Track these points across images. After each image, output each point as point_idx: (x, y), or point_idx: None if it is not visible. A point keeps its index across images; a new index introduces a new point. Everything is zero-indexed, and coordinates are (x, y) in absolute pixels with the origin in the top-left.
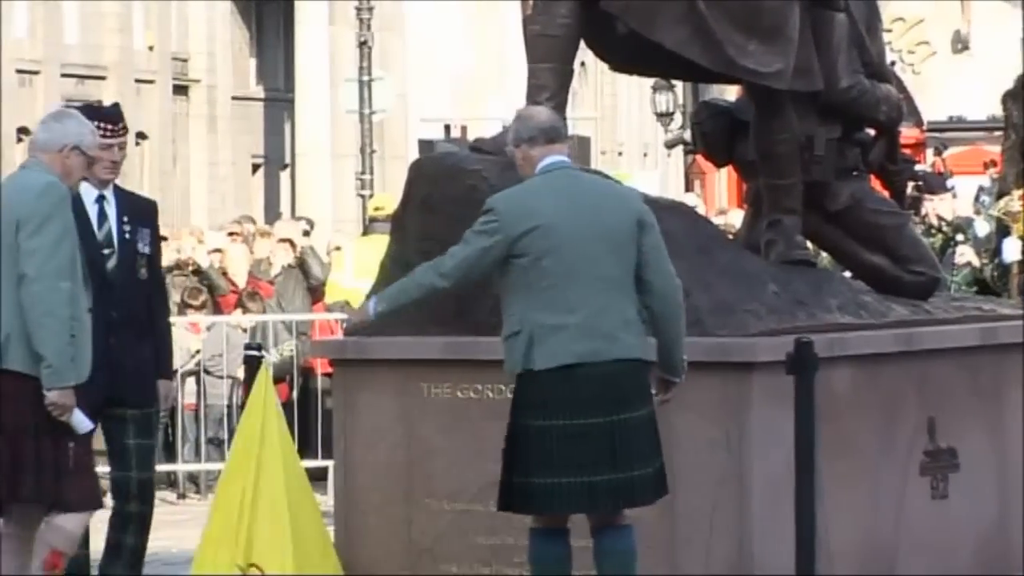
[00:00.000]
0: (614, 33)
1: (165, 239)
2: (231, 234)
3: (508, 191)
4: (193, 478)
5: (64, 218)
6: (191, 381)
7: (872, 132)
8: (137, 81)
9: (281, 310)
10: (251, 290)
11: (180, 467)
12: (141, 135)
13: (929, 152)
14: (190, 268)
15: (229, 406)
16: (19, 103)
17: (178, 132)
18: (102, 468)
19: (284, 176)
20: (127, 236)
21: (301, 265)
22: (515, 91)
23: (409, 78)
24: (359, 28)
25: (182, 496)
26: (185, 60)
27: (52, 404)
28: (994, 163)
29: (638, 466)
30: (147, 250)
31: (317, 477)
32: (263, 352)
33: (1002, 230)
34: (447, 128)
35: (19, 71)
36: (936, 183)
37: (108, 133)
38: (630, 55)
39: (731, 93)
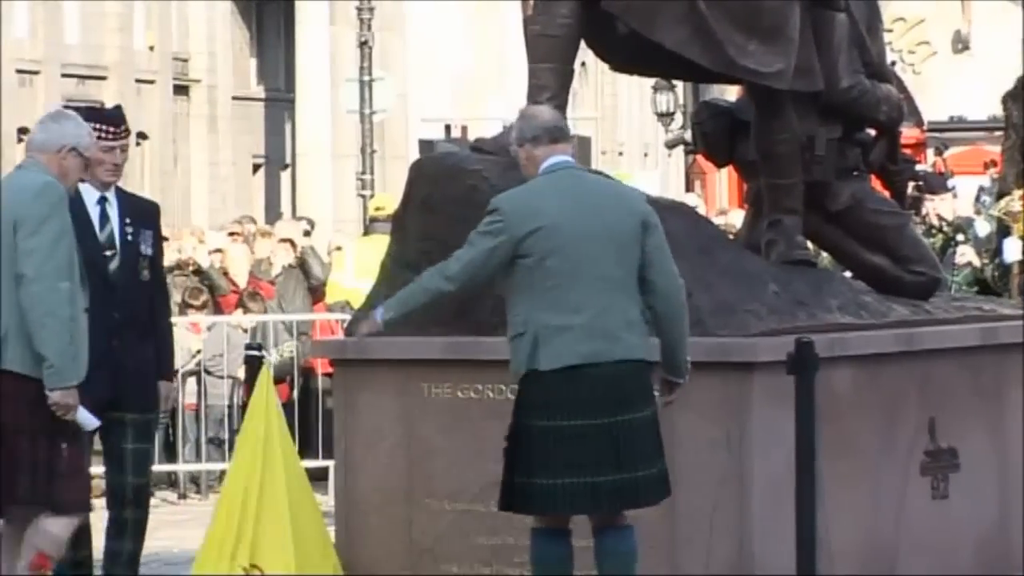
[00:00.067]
0: (615, 33)
1: (166, 239)
2: (232, 234)
3: (512, 191)
4: (194, 478)
5: (62, 218)
6: (192, 381)
7: (873, 132)
8: (138, 81)
9: (282, 310)
10: (252, 290)
11: (181, 467)
12: (142, 135)
13: (930, 152)
14: (191, 268)
15: (230, 406)
16: (20, 103)
17: (179, 132)
18: (98, 469)
19: (285, 176)
20: (129, 238)
21: (302, 265)
22: (515, 91)
23: (410, 78)
24: (360, 28)
25: (183, 496)
26: (186, 60)
27: (55, 404)
28: (994, 163)
29: (642, 467)
30: (149, 252)
31: (318, 477)
32: (264, 352)
33: (1003, 230)
34: (447, 128)
35: (19, 71)
36: (937, 183)
37: (110, 136)
38: (631, 55)
39: (732, 93)
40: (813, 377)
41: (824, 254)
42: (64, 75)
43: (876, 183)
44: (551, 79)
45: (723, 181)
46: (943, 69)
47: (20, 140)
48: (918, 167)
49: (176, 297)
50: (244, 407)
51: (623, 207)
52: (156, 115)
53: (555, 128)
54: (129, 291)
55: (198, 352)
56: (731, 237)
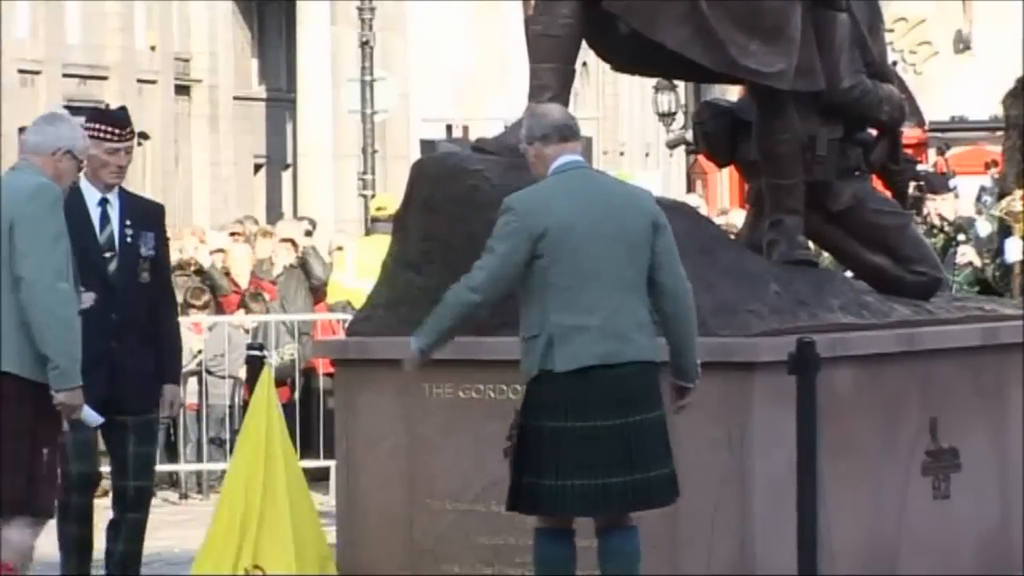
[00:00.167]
0: (616, 33)
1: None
2: (233, 234)
3: (524, 191)
4: (195, 478)
5: (57, 219)
6: (193, 381)
7: (874, 132)
8: (139, 81)
9: (283, 311)
10: (254, 290)
11: (182, 467)
12: (143, 135)
13: (931, 152)
14: (192, 268)
15: (231, 406)
16: (21, 103)
17: (180, 132)
18: (106, 468)
19: (286, 176)
20: (129, 239)
21: (303, 265)
22: (517, 91)
23: (411, 78)
24: (361, 28)
25: (184, 496)
26: (187, 60)
27: (61, 404)
28: (996, 163)
29: (654, 467)
30: (151, 253)
31: (319, 477)
32: (265, 352)
33: (1004, 230)
34: (449, 128)
35: (21, 71)
36: (938, 183)
37: (115, 137)
38: (632, 55)
39: (733, 93)
40: (814, 377)
41: (825, 254)
42: (65, 75)
43: (877, 183)
44: (553, 79)
45: (724, 181)
46: (944, 69)
47: None
48: (919, 167)
49: (178, 297)
50: (245, 407)
51: (634, 207)
52: (157, 115)
53: (565, 127)
54: (128, 293)
55: (199, 352)
56: (732, 237)
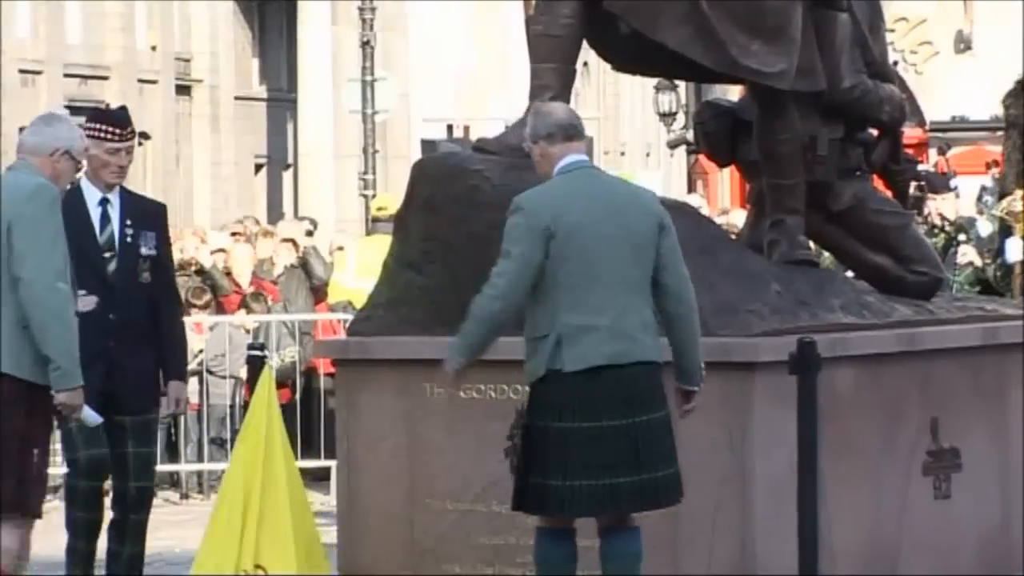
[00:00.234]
0: (617, 33)
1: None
2: (234, 234)
3: (532, 190)
4: (196, 478)
5: (56, 220)
6: (194, 381)
7: (875, 132)
8: (140, 81)
9: (286, 312)
10: (255, 290)
11: (183, 467)
12: (144, 135)
13: (932, 152)
14: (193, 268)
15: (232, 406)
16: (21, 103)
17: (181, 132)
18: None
19: (287, 176)
20: (129, 239)
21: (304, 265)
22: (518, 91)
23: (412, 78)
24: (362, 28)
25: (185, 496)
26: (188, 60)
27: (62, 405)
28: (996, 163)
29: (661, 467)
30: (152, 253)
31: (320, 477)
32: (266, 352)
33: (1005, 230)
34: (450, 128)
35: (21, 71)
36: (939, 183)
37: (116, 137)
38: (633, 55)
39: (734, 93)
40: (815, 377)
41: (826, 254)
42: (66, 75)
43: (878, 183)
44: (553, 79)
45: (725, 181)
46: (945, 69)
47: None
48: (920, 167)
49: None
50: (246, 407)
51: (640, 208)
52: (158, 115)
53: (570, 125)
54: (127, 293)
55: (200, 352)
56: (733, 237)
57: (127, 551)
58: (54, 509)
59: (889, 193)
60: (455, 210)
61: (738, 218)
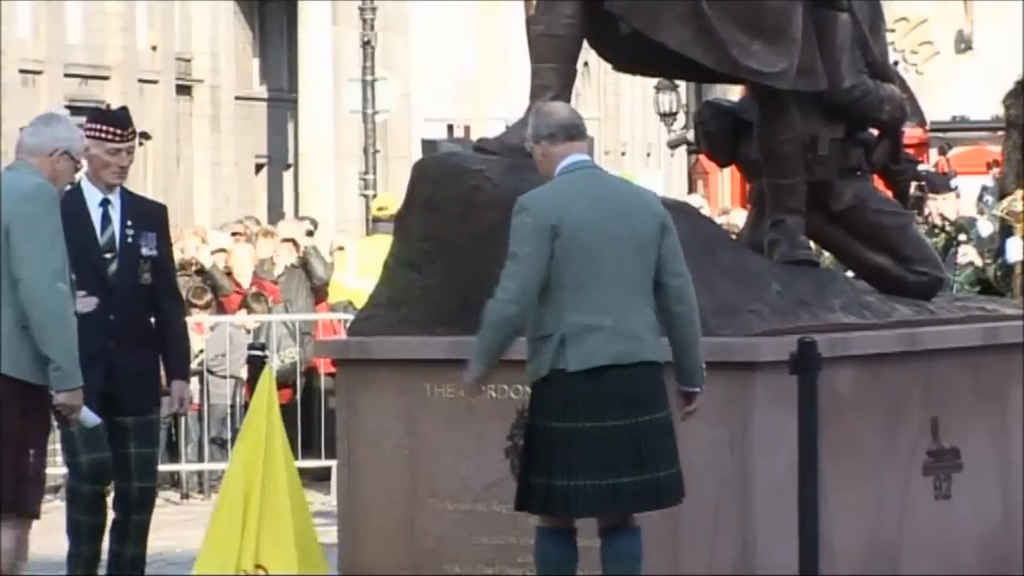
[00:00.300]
0: (617, 33)
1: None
2: (235, 234)
3: (536, 190)
4: (197, 478)
5: (55, 220)
6: (194, 381)
7: (875, 132)
8: (140, 81)
9: (285, 311)
10: (256, 291)
11: (183, 467)
12: (144, 135)
13: (933, 152)
14: (193, 268)
15: (232, 406)
16: (22, 103)
17: (181, 132)
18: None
19: (287, 176)
20: (130, 240)
21: (304, 265)
22: (518, 91)
23: (412, 78)
24: (362, 28)
25: (185, 496)
26: (188, 60)
27: (61, 405)
28: (997, 163)
29: (663, 467)
30: (153, 254)
31: (320, 477)
32: (266, 352)
33: (1005, 230)
34: (450, 128)
35: (22, 71)
36: (940, 182)
37: (116, 138)
38: (633, 55)
39: (734, 93)
40: (816, 377)
41: (826, 254)
42: (67, 75)
43: (879, 183)
44: (554, 79)
45: (726, 181)
46: (946, 69)
47: None
48: (921, 167)
49: None
50: (247, 407)
51: (643, 208)
52: (159, 115)
53: (572, 125)
54: (128, 294)
55: (201, 352)
56: (733, 237)
57: (129, 551)
58: (55, 509)
59: (890, 193)
60: (456, 210)
61: (739, 218)
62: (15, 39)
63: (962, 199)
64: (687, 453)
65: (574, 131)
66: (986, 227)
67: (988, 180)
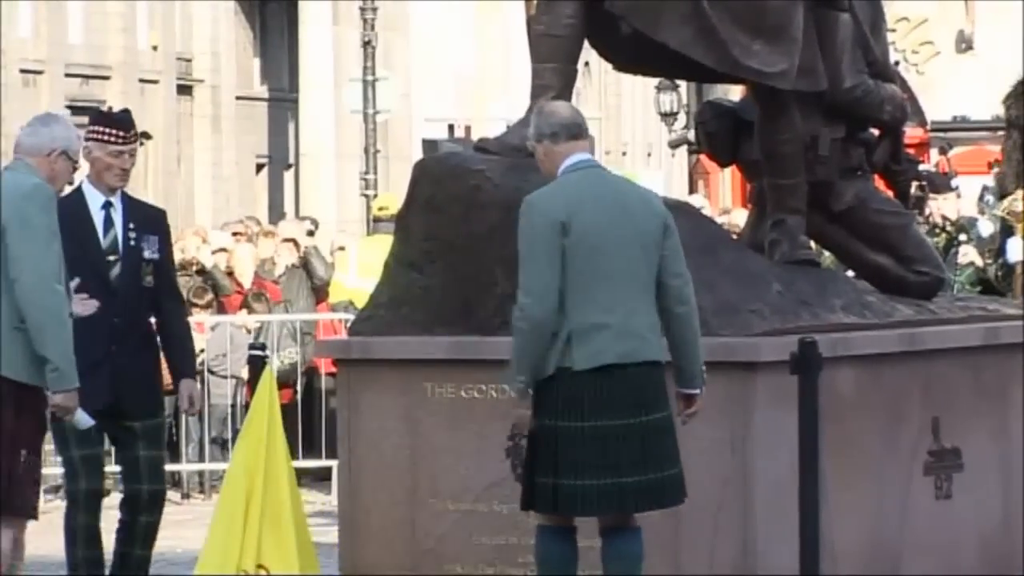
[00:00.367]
0: (618, 33)
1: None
2: (236, 234)
3: (542, 190)
4: (198, 478)
5: (51, 221)
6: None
7: (876, 132)
8: (141, 81)
9: (285, 311)
10: (257, 291)
11: (184, 467)
12: (145, 135)
13: (934, 152)
14: (194, 268)
15: (233, 406)
16: (23, 103)
17: (182, 132)
18: (110, 468)
19: (288, 176)
20: (132, 243)
21: (305, 265)
22: (519, 91)
23: (413, 78)
24: (363, 28)
25: (186, 496)
26: (189, 60)
27: (57, 406)
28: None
29: (666, 467)
30: (155, 256)
31: (321, 477)
32: (267, 352)
33: (1006, 230)
34: (451, 128)
35: (23, 71)
36: (941, 182)
37: (119, 140)
38: (634, 55)
39: (735, 93)
40: (817, 377)
41: (827, 254)
42: (67, 75)
43: (880, 183)
44: (555, 79)
45: (727, 181)
46: (946, 69)
47: None
48: (922, 167)
49: None
50: (247, 407)
51: (647, 208)
52: (159, 115)
53: (573, 124)
54: (131, 297)
55: (202, 352)
56: (734, 237)
57: (137, 553)
58: (55, 509)
59: (890, 193)
60: (456, 210)
61: (740, 218)
62: (16, 39)
63: (963, 199)
64: (688, 453)
65: (576, 130)
66: (987, 227)
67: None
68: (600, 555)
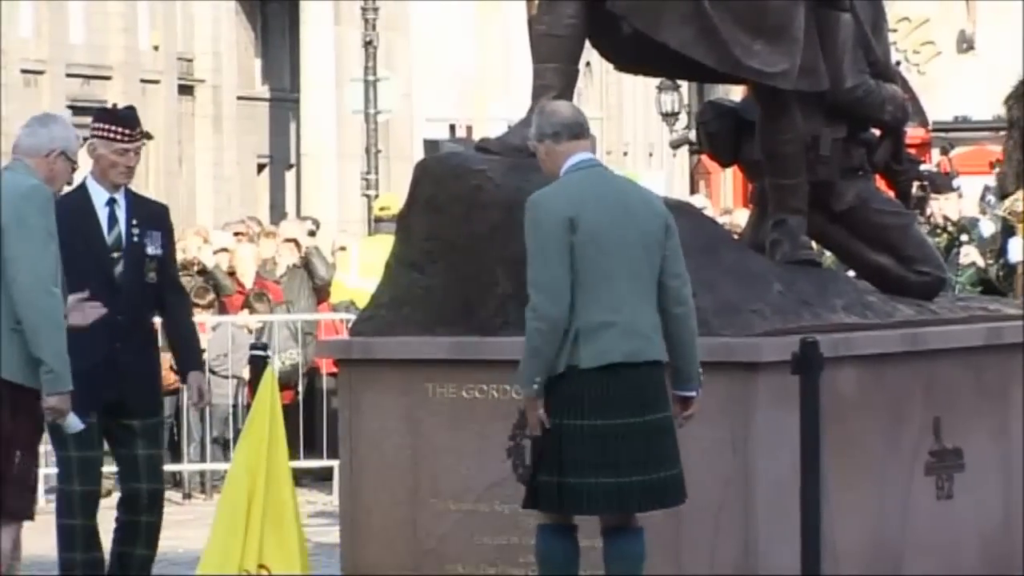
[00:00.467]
0: (619, 33)
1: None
2: (237, 234)
3: (545, 189)
4: (199, 478)
5: (48, 222)
6: None
7: (877, 132)
8: (142, 81)
9: (287, 311)
10: (259, 291)
11: (185, 467)
12: (146, 135)
13: (935, 152)
14: (195, 268)
15: (234, 406)
16: (24, 103)
17: (183, 132)
18: (109, 468)
19: (289, 176)
20: (135, 239)
21: (306, 265)
22: (520, 91)
23: (414, 78)
24: (364, 28)
25: (187, 496)
26: (190, 60)
27: (50, 409)
28: (1000, 162)
29: (668, 467)
30: (158, 252)
31: (323, 477)
32: (268, 352)
33: (1007, 230)
34: (452, 128)
35: (24, 71)
36: (942, 183)
37: (125, 138)
38: (635, 55)
39: (736, 93)
40: (818, 377)
41: (828, 254)
42: (68, 75)
43: (881, 183)
44: (556, 79)
45: (728, 181)
46: (948, 69)
47: None
48: (923, 167)
49: None
50: (249, 407)
51: (649, 208)
52: (161, 115)
53: (575, 124)
54: (133, 294)
55: (203, 352)
56: (735, 237)
57: (139, 553)
58: (55, 509)
59: (892, 193)
60: (458, 210)
61: (742, 218)
62: (17, 39)
63: (964, 199)
64: (689, 453)
65: (578, 130)
66: (988, 227)
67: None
68: (602, 555)
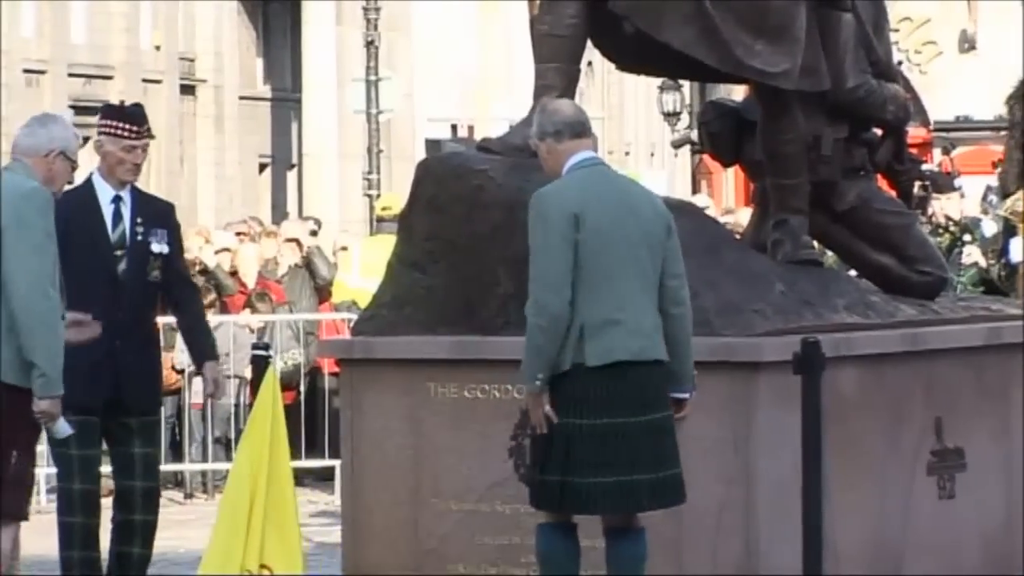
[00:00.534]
0: (621, 33)
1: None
2: (239, 234)
3: (549, 186)
4: (200, 478)
5: (47, 224)
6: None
7: (879, 132)
8: (144, 81)
9: (289, 311)
10: (261, 290)
11: (187, 467)
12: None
13: (937, 152)
14: (197, 268)
15: (236, 405)
16: (25, 103)
17: (185, 132)
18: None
19: (291, 176)
20: (139, 237)
21: (308, 265)
22: (522, 91)
23: (416, 78)
24: (366, 28)
25: (189, 496)
26: (192, 60)
27: (42, 412)
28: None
29: (669, 466)
30: (163, 250)
31: (324, 477)
32: (270, 352)
33: (1009, 230)
34: (454, 128)
35: (26, 71)
36: (944, 182)
37: (133, 135)
38: (637, 55)
39: (738, 93)
40: (819, 377)
41: (830, 254)
42: (70, 75)
43: (882, 183)
44: (558, 79)
45: (729, 181)
46: (949, 69)
47: None
48: (924, 166)
49: None
50: (250, 407)
51: (651, 208)
52: (162, 115)
53: (577, 123)
54: (135, 292)
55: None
56: (737, 236)
57: (136, 552)
58: (54, 509)
59: (893, 193)
60: (459, 210)
61: (745, 218)
62: (19, 39)
63: (966, 199)
64: (690, 453)
65: (580, 128)
66: (990, 227)
67: (992, 180)
68: (604, 555)
